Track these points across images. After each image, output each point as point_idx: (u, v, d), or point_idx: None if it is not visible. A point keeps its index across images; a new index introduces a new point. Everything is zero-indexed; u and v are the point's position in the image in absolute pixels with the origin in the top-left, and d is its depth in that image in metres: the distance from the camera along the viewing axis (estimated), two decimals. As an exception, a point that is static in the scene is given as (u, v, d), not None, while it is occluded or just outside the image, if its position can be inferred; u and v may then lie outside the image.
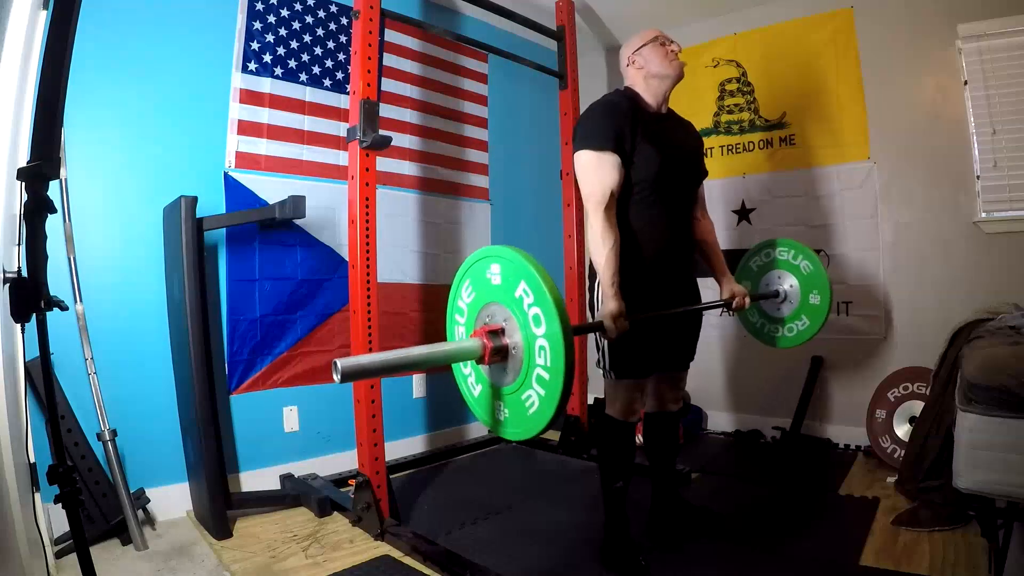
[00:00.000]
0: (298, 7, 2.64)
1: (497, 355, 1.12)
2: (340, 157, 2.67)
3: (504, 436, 1.22)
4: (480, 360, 1.13)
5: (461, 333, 1.24)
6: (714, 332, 3.32)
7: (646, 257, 1.70)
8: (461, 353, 1.15)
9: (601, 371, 1.78)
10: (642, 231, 1.70)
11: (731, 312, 1.94)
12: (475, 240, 3.35)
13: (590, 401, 3.14)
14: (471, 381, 1.26)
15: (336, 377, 0.98)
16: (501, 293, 1.12)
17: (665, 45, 1.81)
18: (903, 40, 2.72)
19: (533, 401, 1.09)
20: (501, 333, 1.12)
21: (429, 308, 3.08)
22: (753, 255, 2.22)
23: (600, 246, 1.59)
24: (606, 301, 1.55)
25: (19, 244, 1.26)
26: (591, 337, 1.79)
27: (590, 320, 1.77)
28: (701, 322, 1.96)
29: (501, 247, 1.12)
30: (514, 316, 1.09)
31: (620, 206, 1.68)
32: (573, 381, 1.04)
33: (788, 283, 2.12)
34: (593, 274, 1.76)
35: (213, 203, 2.33)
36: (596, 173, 1.62)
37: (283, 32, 2.59)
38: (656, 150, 1.67)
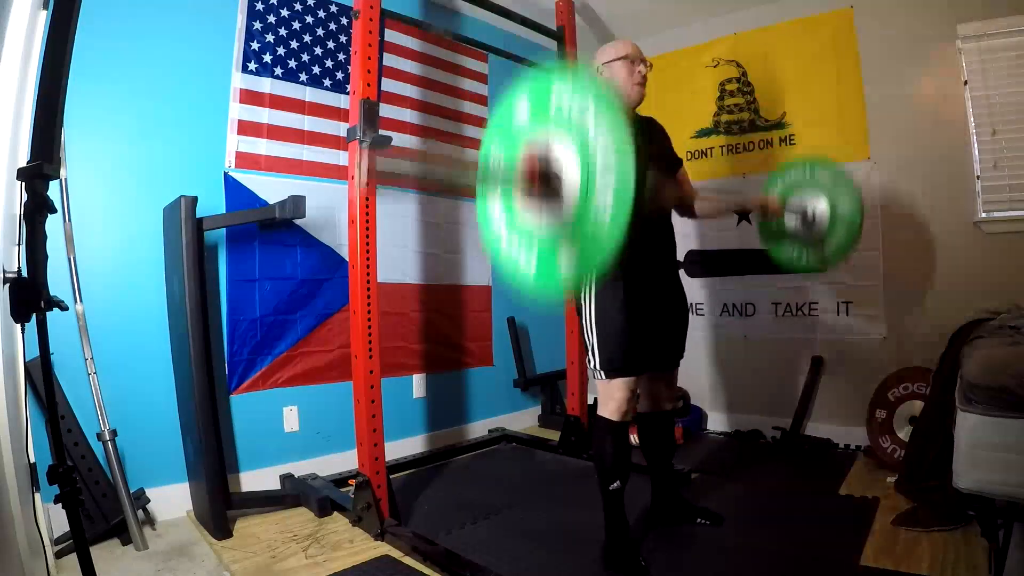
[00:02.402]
0: (298, 7, 2.64)
1: (545, 191, 0.98)
2: (340, 157, 2.67)
3: (524, 285, 1.09)
4: (525, 188, 0.99)
5: (504, 148, 1.08)
6: (714, 333, 3.32)
7: (628, 254, 1.71)
8: (506, 179, 1.01)
9: (592, 371, 1.79)
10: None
11: (769, 220, 1.97)
12: (475, 240, 3.35)
13: (590, 401, 3.14)
14: (498, 214, 1.10)
15: (360, 169, 0.90)
16: (569, 122, 0.97)
17: (634, 64, 1.81)
18: (903, 40, 2.72)
19: (576, 252, 0.98)
20: (556, 169, 0.97)
21: (429, 308, 3.08)
22: (775, 183, 2.14)
23: None
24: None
25: (19, 244, 1.26)
26: (583, 336, 1.80)
27: (586, 342, 1.77)
28: (688, 318, 1.98)
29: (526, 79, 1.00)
30: (577, 153, 0.94)
31: None
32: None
33: (814, 201, 2.02)
34: (579, 308, 1.79)
35: (213, 203, 2.33)
36: None
37: (283, 32, 2.59)
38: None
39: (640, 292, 1.74)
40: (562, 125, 0.98)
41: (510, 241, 1.08)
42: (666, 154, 1.93)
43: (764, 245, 2.18)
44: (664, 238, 1.87)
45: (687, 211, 2.02)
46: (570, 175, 0.96)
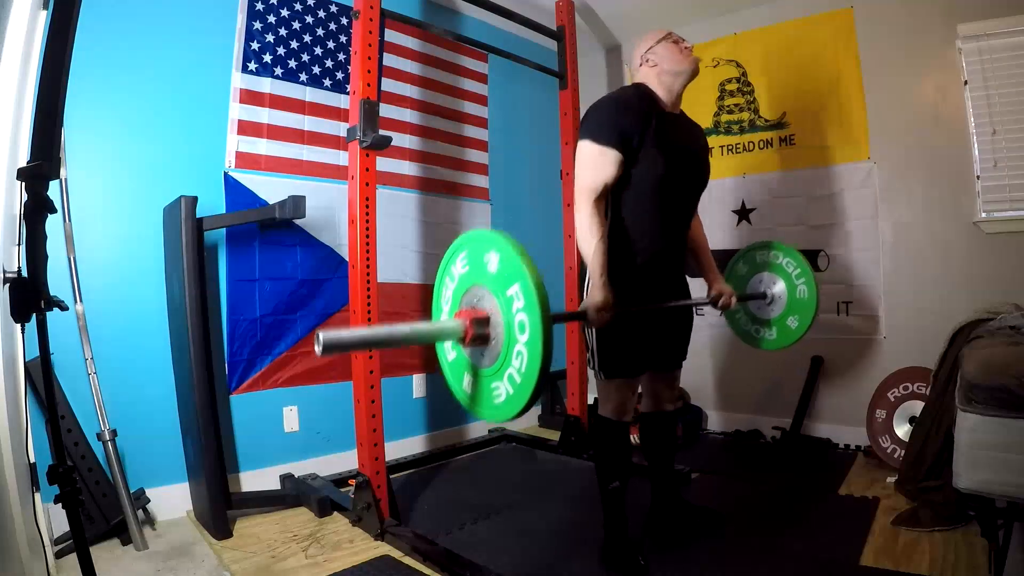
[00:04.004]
0: (298, 7, 2.64)
1: (477, 342, 1.14)
2: (340, 157, 2.67)
3: (467, 409, 1.25)
4: (460, 341, 1.15)
5: (448, 297, 1.26)
6: (714, 332, 3.32)
7: (638, 259, 1.70)
8: (444, 334, 1.17)
9: (593, 371, 1.78)
10: (636, 232, 1.70)
11: (718, 310, 1.95)
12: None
13: (590, 401, 3.14)
14: (447, 346, 1.29)
15: (318, 349, 0.98)
16: (494, 282, 1.12)
17: (678, 43, 1.78)
18: (903, 40, 2.72)
19: (501, 394, 1.12)
20: (485, 323, 1.13)
21: (429, 308, 3.07)
22: (743, 256, 2.22)
23: (589, 235, 1.58)
24: (593, 291, 1.54)
25: (19, 244, 1.26)
26: (584, 335, 1.79)
27: (587, 342, 1.77)
28: (692, 321, 1.96)
29: (505, 240, 1.11)
30: (501, 311, 1.10)
31: (616, 204, 1.68)
32: (541, 392, 1.06)
33: (776, 285, 2.12)
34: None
35: (213, 203, 2.33)
36: (594, 165, 1.62)
37: (283, 32, 2.59)
38: (662, 153, 1.66)
39: (643, 294, 1.72)
40: (489, 285, 1.12)
41: (455, 369, 1.26)
42: (702, 169, 1.85)
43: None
44: (677, 243, 1.83)
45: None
46: (496, 331, 1.11)
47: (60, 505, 1.20)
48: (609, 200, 1.67)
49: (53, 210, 1.16)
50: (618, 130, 1.62)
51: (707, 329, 3.32)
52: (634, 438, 2.04)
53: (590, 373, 1.89)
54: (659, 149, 1.65)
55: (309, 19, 2.68)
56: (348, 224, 2.12)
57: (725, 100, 3.32)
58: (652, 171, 1.65)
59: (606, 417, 1.79)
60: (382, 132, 2.09)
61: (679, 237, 1.82)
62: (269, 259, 2.52)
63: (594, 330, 1.71)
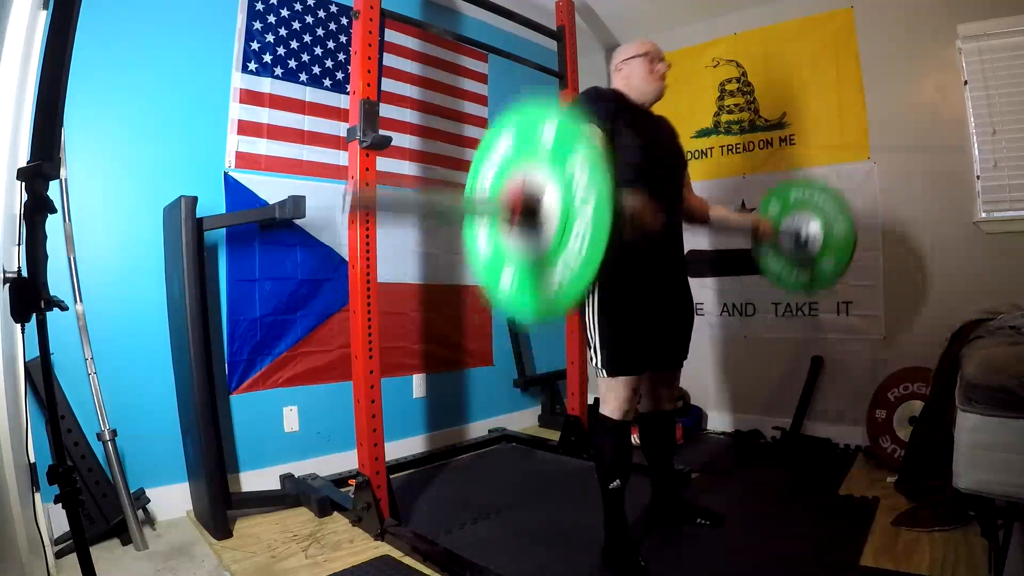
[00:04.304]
0: (298, 7, 2.64)
1: (526, 222, 0.99)
2: (340, 157, 2.67)
3: (506, 308, 1.11)
4: (505, 221, 1.01)
5: (489, 178, 1.10)
6: (714, 332, 3.32)
7: (631, 247, 1.69)
8: (488, 208, 1.03)
9: (595, 369, 1.79)
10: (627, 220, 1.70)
11: (759, 241, 1.97)
12: (475, 240, 3.35)
13: (590, 401, 3.14)
14: (482, 238, 1.12)
15: (346, 205, 0.90)
16: (550, 155, 0.98)
17: (653, 63, 1.84)
18: (903, 40, 2.72)
19: (554, 282, 0.99)
20: (537, 199, 0.99)
21: (429, 308, 3.08)
22: (775, 194, 2.16)
23: None
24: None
25: (19, 244, 1.26)
26: (586, 333, 1.79)
27: (589, 340, 1.77)
28: (693, 319, 1.97)
29: (562, 109, 1.01)
30: (559, 187, 0.96)
31: None
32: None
33: (812, 225, 2.03)
34: (582, 305, 1.77)
35: (213, 203, 2.33)
36: None
37: (283, 32, 2.59)
38: (639, 138, 1.71)
39: (644, 291, 1.73)
40: (544, 159, 1.00)
41: (493, 264, 1.11)
42: (677, 151, 1.93)
43: (758, 262, 2.22)
44: (672, 238, 1.85)
45: (689, 216, 2.00)
46: (550, 209, 0.98)
47: (60, 505, 1.20)
48: None
49: (53, 210, 1.16)
50: (590, 111, 1.67)
51: (707, 329, 3.32)
52: (634, 438, 2.04)
53: (591, 372, 1.89)
54: (634, 136, 1.70)
55: (309, 19, 2.68)
56: (348, 224, 2.12)
57: (725, 100, 3.32)
58: (630, 158, 1.68)
59: (607, 416, 1.79)
60: (382, 132, 2.09)
61: (670, 226, 1.83)
62: (269, 259, 2.52)
63: (597, 328, 1.72)
